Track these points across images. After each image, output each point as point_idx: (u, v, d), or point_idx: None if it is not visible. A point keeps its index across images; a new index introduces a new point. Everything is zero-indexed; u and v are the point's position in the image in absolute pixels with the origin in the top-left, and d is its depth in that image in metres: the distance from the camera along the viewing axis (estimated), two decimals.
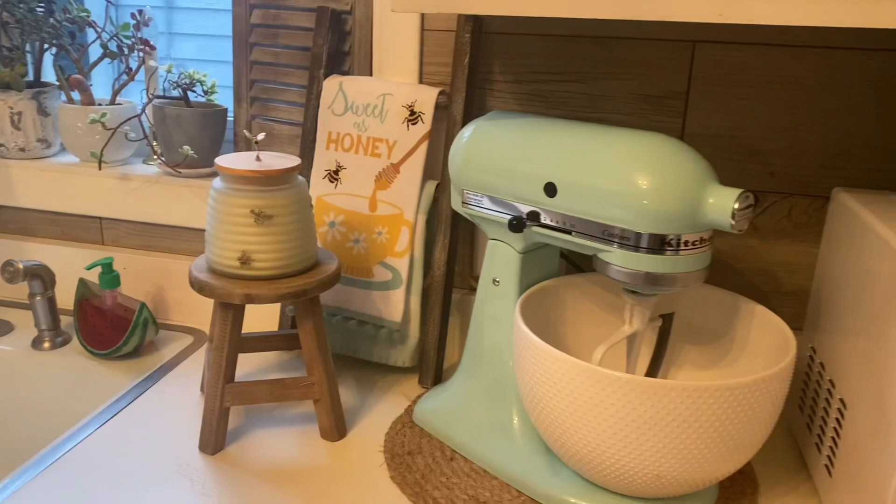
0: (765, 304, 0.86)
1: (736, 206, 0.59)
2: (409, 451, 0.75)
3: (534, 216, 0.68)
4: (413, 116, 0.85)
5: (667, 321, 0.74)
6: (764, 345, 0.70)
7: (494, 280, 0.74)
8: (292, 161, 0.74)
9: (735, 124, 0.81)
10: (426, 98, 0.85)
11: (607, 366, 0.59)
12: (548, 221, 0.67)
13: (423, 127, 0.85)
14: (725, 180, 0.83)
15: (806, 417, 0.75)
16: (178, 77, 1.00)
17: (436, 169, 0.88)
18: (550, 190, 0.66)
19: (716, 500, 0.69)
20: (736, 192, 0.59)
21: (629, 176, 0.61)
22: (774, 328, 0.68)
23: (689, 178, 0.61)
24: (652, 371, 0.75)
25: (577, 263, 0.83)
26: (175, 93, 1.01)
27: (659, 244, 0.61)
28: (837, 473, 0.64)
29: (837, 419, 0.65)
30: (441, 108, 0.85)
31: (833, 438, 0.66)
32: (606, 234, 0.63)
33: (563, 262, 0.82)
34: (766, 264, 0.85)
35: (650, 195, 0.60)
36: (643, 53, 0.82)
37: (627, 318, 0.69)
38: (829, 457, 0.67)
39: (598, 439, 0.60)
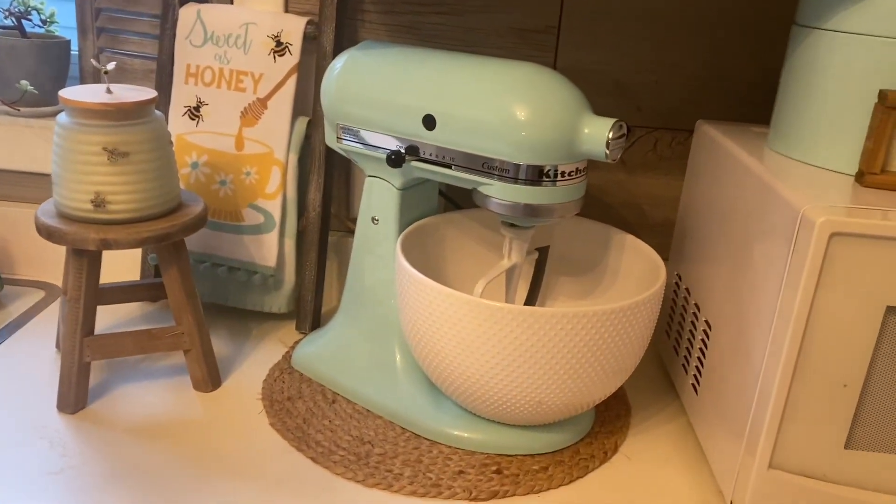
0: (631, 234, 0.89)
1: (610, 135, 0.60)
2: (289, 396, 0.73)
3: (413, 150, 0.66)
4: (280, 48, 0.81)
5: (542, 254, 0.75)
6: (635, 272, 0.72)
7: (373, 219, 0.72)
8: (148, 93, 0.68)
9: (604, 59, 0.83)
10: (293, 28, 0.80)
11: (488, 299, 0.59)
12: (427, 155, 0.66)
13: (291, 59, 0.80)
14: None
15: (673, 341, 0.79)
16: (11, 4, 0.89)
17: (307, 104, 0.84)
18: (429, 122, 0.64)
19: (592, 423, 0.71)
20: (609, 121, 0.60)
21: (507, 107, 0.61)
22: (644, 256, 0.71)
23: (565, 109, 0.61)
24: (529, 303, 0.77)
25: (456, 201, 0.82)
26: (8, 22, 0.90)
27: (537, 175, 0.61)
28: (703, 391, 0.68)
29: (703, 340, 0.69)
30: (310, 39, 0.81)
31: (699, 359, 0.70)
32: (486, 166, 0.63)
33: (442, 199, 0.81)
34: (634, 197, 0.88)
35: (528, 126, 0.60)
36: None
37: (506, 251, 0.70)
38: (695, 376, 0.71)
39: (481, 370, 0.61)
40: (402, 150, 0.66)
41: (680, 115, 0.84)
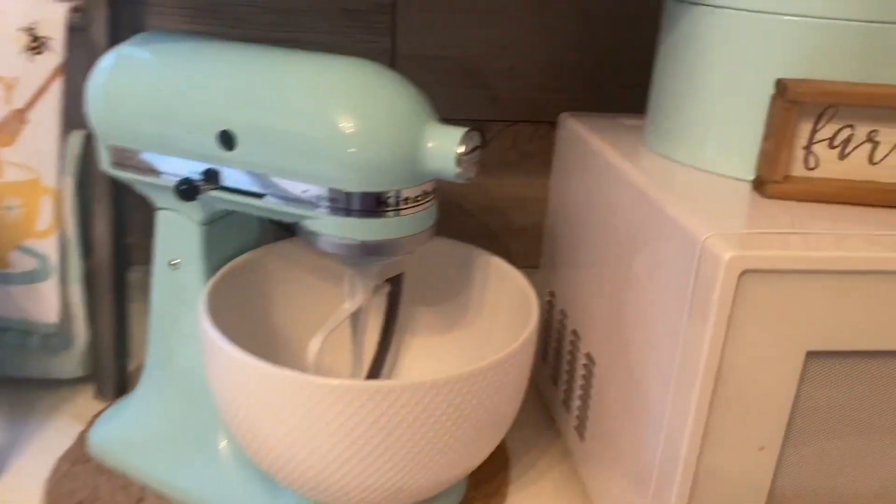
0: (496, 242, 0.78)
1: (461, 149, 0.47)
2: (81, 499, 0.56)
3: (211, 177, 0.51)
4: (36, 43, 0.62)
5: (396, 285, 0.62)
6: (504, 299, 0.61)
7: (171, 262, 0.56)
8: None
9: (451, 43, 0.70)
10: (52, 16, 0.62)
11: (331, 352, 0.46)
12: (230, 183, 0.51)
13: (54, 57, 0.62)
14: (445, 108, 0.71)
15: (550, 369, 0.68)
16: None
17: (81, 114, 0.66)
18: (227, 140, 0.49)
19: (465, 490, 0.60)
20: (458, 131, 0.48)
21: (329, 118, 0.47)
22: (513, 282, 0.59)
23: (404, 118, 0.48)
24: (384, 345, 0.64)
25: (286, 224, 0.67)
26: None
27: (374, 204, 0.48)
28: (591, 438, 0.58)
29: (585, 377, 0.59)
30: (77, 31, 0.63)
31: (582, 398, 0.60)
32: (308, 195, 0.48)
33: (268, 224, 0.66)
34: (495, 201, 0.76)
35: (357, 142, 0.46)
36: None
37: (348, 292, 0.56)
38: (579, 417, 0.60)
39: (321, 461, 0.47)
40: (196, 178, 0.51)
41: (542, 105, 0.73)
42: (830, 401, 0.43)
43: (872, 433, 0.45)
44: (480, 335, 0.63)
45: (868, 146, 0.46)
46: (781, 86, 0.45)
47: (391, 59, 0.70)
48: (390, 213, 0.48)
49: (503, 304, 0.61)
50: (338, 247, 0.49)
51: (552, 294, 0.68)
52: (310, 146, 0.47)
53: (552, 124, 0.74)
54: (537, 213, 0.77)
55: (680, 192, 0.47)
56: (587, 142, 0.60)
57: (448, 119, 0.71)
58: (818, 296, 0.40)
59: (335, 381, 0.44)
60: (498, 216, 0.77)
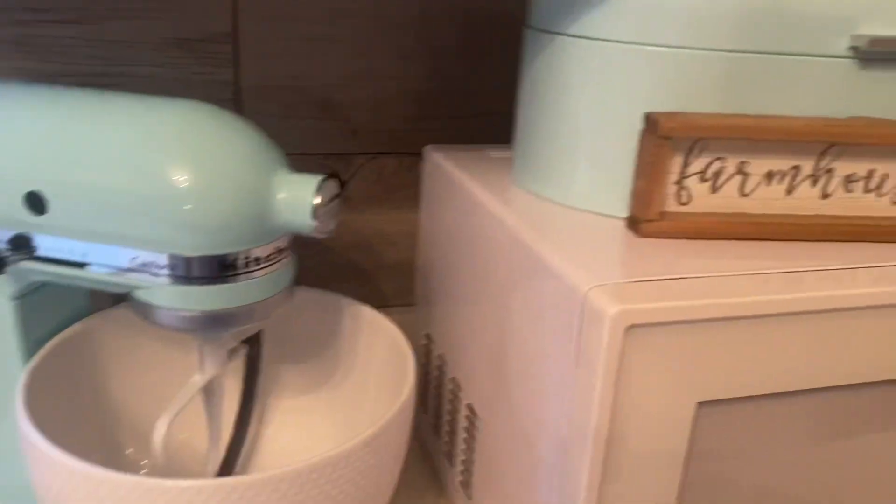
0: (367, 282, 0.73)
1: (316, 200, 0.42)
2: None
3: (21, 245, 0.43)
4: None
5: (254, 346, 0.56)
6: (377, 353, 0.56)
7: None
8: None
9: (303, 72, 0.64)
10: None
11: (187, 423, 0.39)
12: (44, 252, 0.43)
13: None
14: (299, 143, 0.66)
15: (431, 417, 0.64)
16: None
17: None
18: (36, 203, 0.42)
19: None
20: (313, 179, 0.43)
21: (161, 171, 0.40)
22: (386, 335, 0.55)
23: (248, 168, 0.42)
24: (244, 413, 0.57)
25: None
26: None
27: (218, 269, 0.42)
28: (478, 495, 0.54)
29: (468, 429, 0.55)
30: None
31: (465, 451, 0.56)
32: (139, 262, 0.42)
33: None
34: (362, 238, 0.72)
35: (195, 197, 0.40)
36: None
37: (199, 362, 0.49)
38: (463, 472, 0.57)
39: None
40: (3, 247, 0.43)
41: (406, 136, 0.69)
42: (724, 449, 0.41)
43: (769, 475, 0.43)
44: (353, 394, 0.57)
45: (739, 178, 0.45)
46: (651, 120, 0.43)
47: (235, 91, 0.63)
48: (239, 278, 0.42)
49: (376, 360, 0.56)
50: (179, 320, 0.43)
51: (429, 337, 0.64)
52: (138, 206, 0.41)
53: (418, 155, 0.70)
54: (408, 248, 0.72)
55: (555, 235, 0.44)
56: (455, 177, 0.56)
57: (305, 154, 0.66)
58: (705, 344, 0.38)
59: (183, 483, 0.38)
60: (367, 254, 0.72)
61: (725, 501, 0.43)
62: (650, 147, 0.43)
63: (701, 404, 0.39)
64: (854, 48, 0.44)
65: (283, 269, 0.45)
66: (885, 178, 0.46)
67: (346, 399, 0.58)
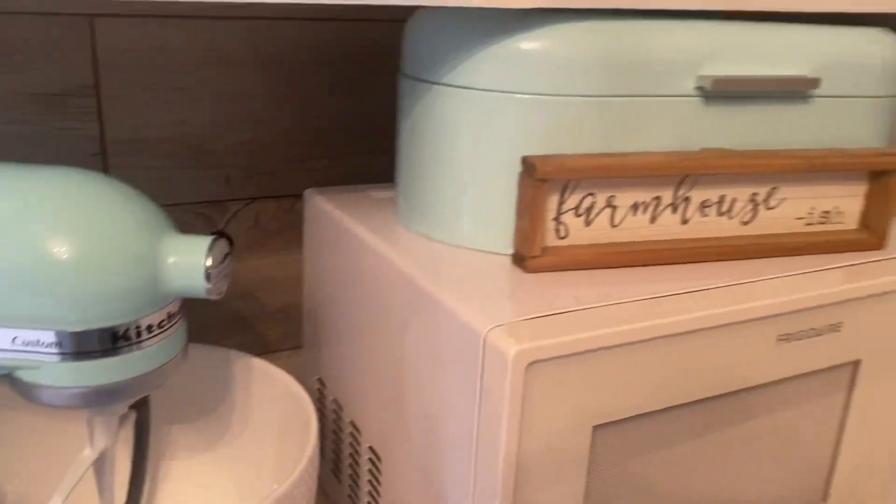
0: (252, 329, 0.72)
1: (209, 262, 0.42)
2: None
3: None
4: None
5: (142, 410, 0.54)
6: (273, 401, 0.55)
7: None
8: None
9: (172, 121, 0.63)
10: None
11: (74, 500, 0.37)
12: None
13: None
14: (174, 193, 0.64)
15: (331, 464, 0.64)
16: None
17: None
18: None
19: None
20: (203, 241, 0.42)
21: (39, 242, 0.39)
22: (282, 387, 0.54)
23: (134, 234, 0.41)
24: (136, 481, 0.55)
25: None
26: None
27: (109, 342, 0.40)
28: None
29: (371, 472, 0.55)
30: None
31: (371, 494, 0.56)
32: (20, 342, 0.39)
33: None
34: (244, 285, 0.70)
35: (78, 268, 0.39)
36: (22, 35, 0.56)
37: (88, 436, 0.47)
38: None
39: None
40: None
41: (282, 179, 0.69)
42: (622, 468, 0.44)
43: (678, 491, 0.47)
44: (253, 448, 0.57)
45: (608, 211, 0.49)
46: (528, 164, 0.46)
47: (101, 145, 0.61)
48: (132, 348, 0.41)
49: (273, 411, 0.55)
50: (69, 398, 0.41)
51: (321, 381, 0.64)
52: (18, 282, 0.39)
53: (295, 197, 0.70)
54: (292, 292, 0.72)
55: (447, 275, 0.46)
56: (339, 221, 0.57)
57: (178, 204, 0.65)
58: (596, 371, 0.41)
59: None
60: (249, 301, 0.71)
61: None
62: (529, 189, 0.46)
63: (596, 428, 0.42)
64: (700, 87, 0.49)
65: (177, 333, 0.44)
66: (734, 201, 0.51)
67: (245, 453, 0.57)
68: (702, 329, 0.44)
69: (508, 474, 0.40)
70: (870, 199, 0.54)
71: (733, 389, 0.47)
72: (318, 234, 0.61)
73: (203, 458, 0.58)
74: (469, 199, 0.50)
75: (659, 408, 0.44)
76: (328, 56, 0.67)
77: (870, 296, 0.50)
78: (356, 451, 0.58)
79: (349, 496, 0.61)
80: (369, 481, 0.56)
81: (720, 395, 0.47)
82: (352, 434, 0.58)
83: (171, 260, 0.41)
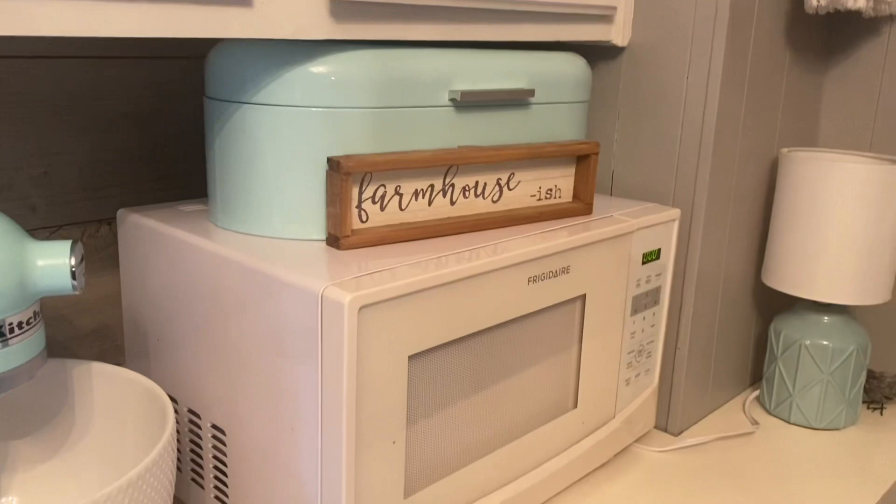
0: (66, 353, 0.74)
1: (73, 261, 0.48)
2: None
3: None
4: None
5: None
6: (126, 405, 0.61)
7: None
8: None
9: None
10: None
11: None
12: None
13: None
14: None
15: None
16: None
17: None
18: None
19: None
20: (65, 244, 0.48)
21: None
22: (129, 382, 0.60)
23: (2, 242, 0.46)
24: None
25: None
26: None
27: None
28: (235, 499, 0.62)
29: (217, 447, 0.63)
30: None
31: (217, 468, 0.63)
32: None
33: None
34: (55, 310, 0.73)
35: None
36: None
37: None
38: (217, 488, 0.64)
39: None
40: None
41: (84, 205, 0.73)
42: (431, 388, 0.57)
43: (472, 402, 0.60)
44: (109, 447, 0.61)
45: (397, 198, 0.62)
46: (334, 162, 0.58)
47: None
48: (5, 344, 0.46)
49: (131, 410, 0.60)
50: None
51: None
52: None
53: (99, 222, 0.74)
54: (104, 313, 0.76)
55: (276, 258, 0.56)
56: (160, 231, 0.64)
57: None
58: (408, 312, 0.53)
59: None
60: (60, 326, 0.73)
61: (443, 428, 0.59)
62: (337, 182, 0.58)
63: (411, 357, 0.55)
64: (452, 99, 0.64)
65: (39, 332, 0.49)
66: (485, 185, 0.67)
67: (102, 454, 0.61)
68: (477, 275, 0.58)
69: (350, 402, 0.51)
70: (577, 177, 0.74)
71: (503, 321, 0.62)
72: (136, 249, 0.67)
73: (41, 469, 0.61)
74: (280, 196, 0.60)
75: (451, 339, 0.58)
76: (127, 88, 0.73)
77: (585, 245, 0.68)
78: (197, 434, 0.64)
79: (192, 479, 0.67)
80: (214, 457, 0.63)
81: (494, 326, 0.61)
82: (190, 420, 0.65)
83: (39, 263, 0.47)
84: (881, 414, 0.93)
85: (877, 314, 1.01)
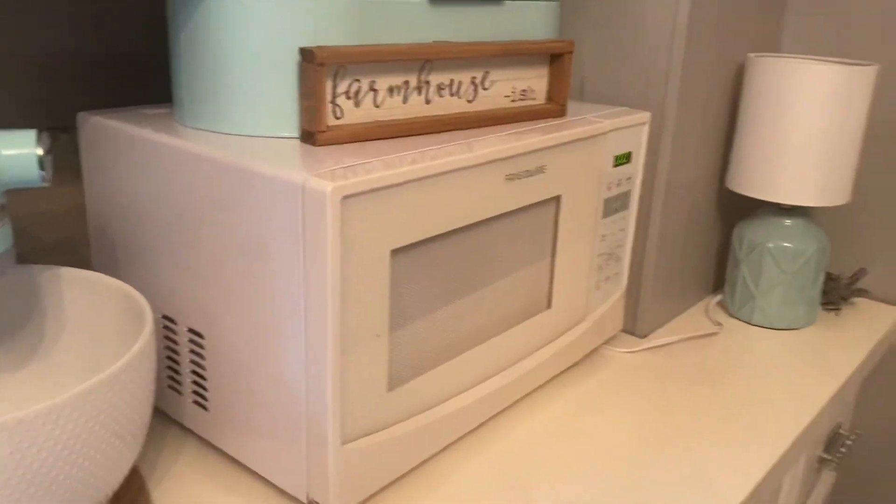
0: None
1: (40, 151, 0.46)
2: None
3: None
4: None
5: None
6: (104, 309, 0.59)
7: None
8: None
9: None
10: None
11: None
12: None
13: None
14: None
15: None
16: None
17: None
18: None
19: None
20: (31, 133, 0.46)
21: None
22: (109, 289, 0.58)
23: None
24: None
25: None
26: None
27: None
28: (216, 404, 0.62)
29: (195, 351, 0.62)
30: None
31: (195, 372, 0.63)
32: None
33: None
34: (15, 222, 0.70)
35: None
36: None
37: None
38: (196, 392, 0.63)
39: None
40: None
41: (38, 111, 0.70)
42: (414, 284, 0.57)
43: (453, 299, 0.60)
44: (87, 359, 0.60)
45: (371, 94, 0.60)
46: (308, 52, 0.56)
47: None
48: None
49: (104, 314, 0.59)
50: None
51: None
52: None
53: (58, 130, 0.71)
54: (66, 225, 0.73)
55: (253, 155, 0.54)
56: (126, 133, 0.61)
57: None
58: (390, 205, 0.53)
59: None
60: (21, 238, 0.71)
61: (422, 321, 0.59)
62: (311, 73, 0.56)
63: (393, 251, 0.54)
64: None
65: (6, 227, 0.47)
66: (460, 84, 0.66)
67: (78, 361, 0.59)
68: (456, 170, 0.57)
69: (335, 293, 0.51)
70: (551, 78, 0.73)
71: (482, 218, 0.62)
72: (100, 153, 0.64)
73: (13, 378, 0.59)
74: (251, 92, 0.58)
75: (433, 234, 0.57)
76: None
77: (560, 144, 0.68)
78: (173, 340, 0.64)
79: (169, 387, 0.66)
80: (192, 361, 0.62)
81: (474, 224, 0.61)
82: (165, 327, 0.64)
83: (5, 152, 0.45)
84: (837, 314, 0.97)
85: (835, 218, 1.04)
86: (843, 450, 0.95)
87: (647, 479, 0.65)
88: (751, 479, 0.65)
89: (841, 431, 1.01)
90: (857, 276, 0.98)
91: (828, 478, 1.05)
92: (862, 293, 0.99)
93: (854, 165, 0.87)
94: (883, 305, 1.01)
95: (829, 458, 0.94)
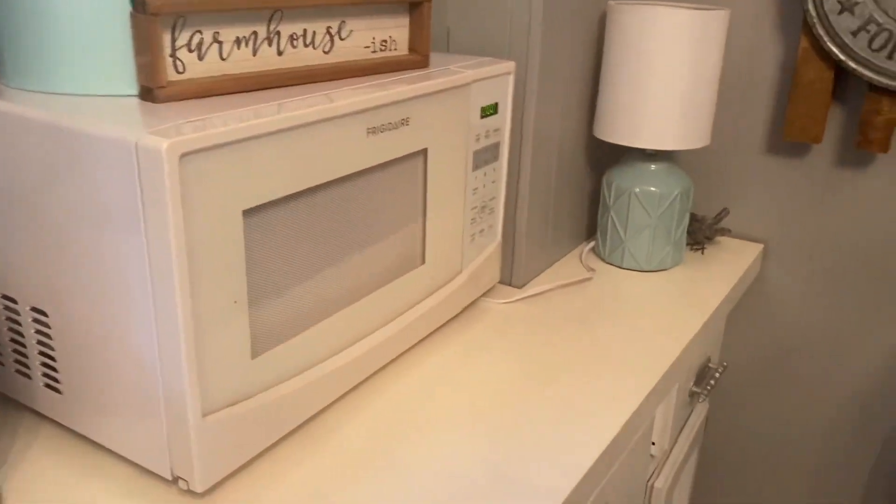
0: None
1: None
2: None
3: None
4: None
5: None
6: None
7: None
8: None
9: None
10: None
11: None
12: None
13: None
14: None
15: None
16: None
17: None
18: None
19: None
20: None
21: None
22: None
23: None
24: None
25: None
26: None
27: None
28: (70, 386, 0.58)
29: (41, 332, 0.57)
30: None
31: (44, 353, 0.58)
32: None
33: None
34: None
35: None
36: None
37: None
38: (46, 374, 0.59)
39: None
40: None
41: None
42: (271, 247, 0.55)
43: (318, 260, 0.58)
44: None
45: (216, 46, 0.57)
46: (139, 2, 0.51)
47: None
48: None
49: None
50: None
51: None
52: None
53: None
54: None
55: (84, 116, 0.50)
56: None
57: None
58: (237, 162, 0.50)
59: None
60: None
61: (286, 284, 0.57)
62: (144, 25, 0.52)
63: (246, 212, 0.52)
64: None
65: None
66: (314, 34, 0.63)
67: None
68: (311, 123, 0.55)
69: (181, 259, 0.48)
70: (412, 27, 0.71)
71: (343, 174, 0.60)
72: None
73: None
74: (80, 45, 0.53)
75: (289, 192, 0.55)
76: None
77: (423, 95, 0.66)
78: (15, 322, 0.59)
79: (17, 371, 0.61)
80: (39, 342, 0.58)
81: (337, 181, 0.59)
82: (6, 308, 0.59)
83: None
84: (702, 254, 1.01)
85: (698, 161, 1.07)
86: (712, 382, 1.00)
87: (528, 418, 0.65)
88: (625, 410, 0.67)
89: (710, 365, 1.06)
90: (719, 217, 1.02)
91: (701, 409, 1.11)
92: (724, 232, 1.04)
93: (712, 109, 0.90)
94: (744, 242, 1.06)
95: (699, 390, 0.99)
